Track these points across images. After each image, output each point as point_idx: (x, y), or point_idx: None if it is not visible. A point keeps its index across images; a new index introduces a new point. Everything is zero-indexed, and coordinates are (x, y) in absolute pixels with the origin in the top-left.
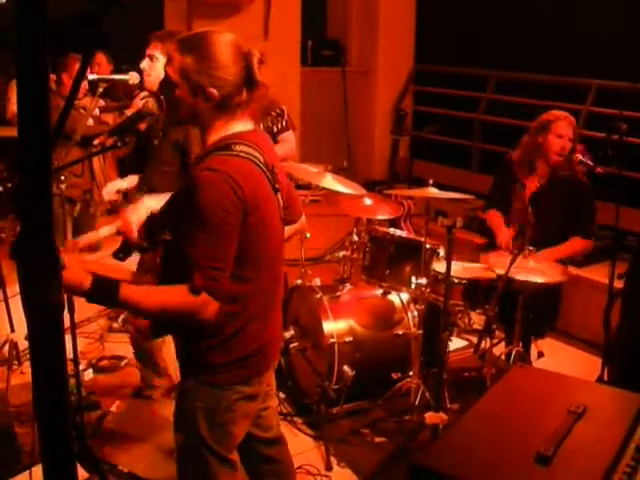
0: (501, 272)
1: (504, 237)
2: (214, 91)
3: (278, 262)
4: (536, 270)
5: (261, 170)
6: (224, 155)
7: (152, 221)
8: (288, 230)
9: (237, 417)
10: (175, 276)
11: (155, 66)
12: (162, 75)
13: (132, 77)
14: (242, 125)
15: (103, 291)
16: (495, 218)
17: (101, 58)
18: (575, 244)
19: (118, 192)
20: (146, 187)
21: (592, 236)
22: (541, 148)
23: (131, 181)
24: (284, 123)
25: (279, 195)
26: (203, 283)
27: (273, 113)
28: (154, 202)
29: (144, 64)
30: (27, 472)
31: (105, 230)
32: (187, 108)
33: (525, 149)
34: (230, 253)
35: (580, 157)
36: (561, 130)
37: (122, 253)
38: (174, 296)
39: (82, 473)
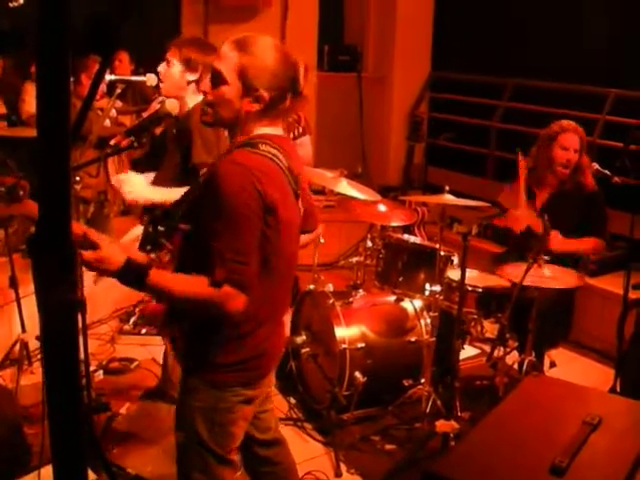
0: (515, 280)
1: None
2: (265, 94)
3: (292, 267)
4: (551, 278)
5: (283, 173)
6: (249, 151)
7: (171, 210)
8: (305, 237)
9: (237, 419)
10: (192, 266)
11: (170, 71)
12: (177, 80)
13: (149, 79)
14: (273, 129)
15: (133, 272)
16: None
17: (123, 55)
18: (588, 241)
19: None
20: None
21: (605, 238)
22: (548, 160)
23: (147, 177)
24: (300, 129)
25: (300, 201)
26: (225, 276)
27: (290, 119)
28: (141, 179)
29: (161, 67)
30: (36, 472)
31: (135, 230)
32: (232, 109)
33: (534, 160)
34: (253, 245)
35: (597, 166)
36: (566, 142)
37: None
38: (197, 287)
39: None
